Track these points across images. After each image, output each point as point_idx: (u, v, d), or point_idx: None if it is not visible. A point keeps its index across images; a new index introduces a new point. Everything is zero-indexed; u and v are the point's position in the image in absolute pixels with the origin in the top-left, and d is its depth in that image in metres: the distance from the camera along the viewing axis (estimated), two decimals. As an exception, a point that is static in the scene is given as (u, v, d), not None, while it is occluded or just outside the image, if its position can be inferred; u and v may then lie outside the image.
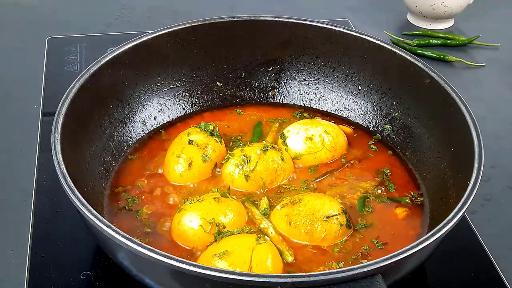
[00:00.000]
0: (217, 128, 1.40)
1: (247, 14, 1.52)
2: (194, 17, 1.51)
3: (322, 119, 1.49)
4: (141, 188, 1.33)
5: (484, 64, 1.87)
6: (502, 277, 1.24)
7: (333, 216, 1.22)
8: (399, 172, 1.40)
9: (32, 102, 1.63)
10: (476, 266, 1.26)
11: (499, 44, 1.95)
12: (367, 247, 1.22)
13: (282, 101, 1.57)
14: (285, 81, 1.57)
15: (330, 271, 0.98)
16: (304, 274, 0.97)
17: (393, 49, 1.43)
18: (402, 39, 1.93)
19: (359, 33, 1.48)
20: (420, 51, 1.87)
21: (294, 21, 1.51)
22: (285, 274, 1.05)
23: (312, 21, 1.51)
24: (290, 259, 1.18)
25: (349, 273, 0.97)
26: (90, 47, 1.83)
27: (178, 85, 1.52)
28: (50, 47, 1.82)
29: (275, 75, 1.57)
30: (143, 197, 1.31)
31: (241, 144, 1.41)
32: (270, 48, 1.54)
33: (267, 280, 0.96)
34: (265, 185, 1.32)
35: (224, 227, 1.19)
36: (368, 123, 1.51)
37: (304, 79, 1.56)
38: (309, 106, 1.56)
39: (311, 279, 0.96)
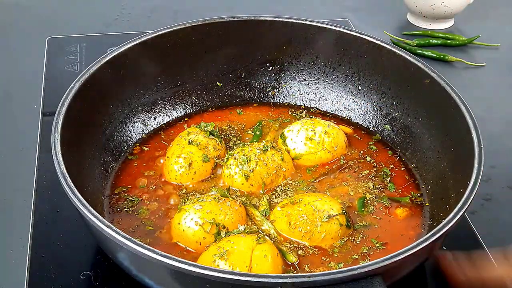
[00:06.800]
0: (217, 128, 1.40)
1: (247, 14, 1.52)
2: (194, 17, 1.51)
3: (322, 119, 1.49)
4: (141, 188, 1.33)
5: (484, 64, 1.86)
6: (502, 277, 1.24)
7: (333, 216, 1.22)
8: (399, 172, 1.40)
9: (32, 102, 1.63)
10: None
11: (499, 44, 1.95)
12: (367, 247, 1.22)
13: (282, 101, 1.57)
14: (285, 81, 1.57)
15: (330, 271, 0.98)
16: (304, 274, 0.97)
17: (393, 49, 1.43)
18: (402, 39, 1.93)
19: (359, 33, 1.48)
20: (420, 51, 1.87)
21: (294, 21, 1.51)
22: (285, 274, 1.06)
23: (312, 21, 1.51)
24: (294, 259, 1.18)
25: (349, 273, 0.97)
26: (90, 47, 1.83)
27: (178, 85, 1.52)
28: (50, 47, 1.82)
29: (275, 75, 1.57)
30: (143, 197, 1.31)
31: (241, 144, 1.41)
32: (270, 48, 1.54)
33: (267, 280, 0.96)
34: (265, 185, 1.32)
35: (224, 227, 1.19)
36: (368, 123, 1.51)
37: (304, 79, 1.56)
38: (309, 106, 1.56)
39: (311, 279, 0.96)
